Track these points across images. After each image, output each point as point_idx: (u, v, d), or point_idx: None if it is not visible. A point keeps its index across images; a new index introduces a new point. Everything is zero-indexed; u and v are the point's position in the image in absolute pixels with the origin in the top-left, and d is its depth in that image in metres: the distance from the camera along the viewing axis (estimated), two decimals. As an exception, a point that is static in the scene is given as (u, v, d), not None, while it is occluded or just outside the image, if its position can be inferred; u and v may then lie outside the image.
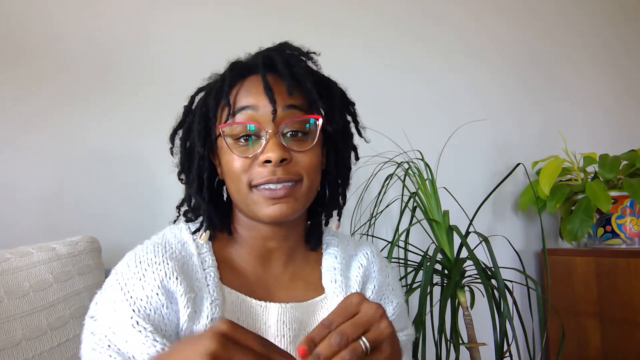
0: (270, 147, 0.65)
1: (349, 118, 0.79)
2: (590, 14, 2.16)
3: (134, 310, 0.61)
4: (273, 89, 0.66)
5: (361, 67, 1.62)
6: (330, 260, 0.77)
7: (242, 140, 0.67)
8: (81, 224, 1.18)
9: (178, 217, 0.77)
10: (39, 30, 1.20)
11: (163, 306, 0.63)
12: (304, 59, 0.73)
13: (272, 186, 0.66)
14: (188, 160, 0.73)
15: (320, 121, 0.69)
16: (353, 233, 1.48)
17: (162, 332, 0.62)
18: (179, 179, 0.76)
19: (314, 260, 0.78)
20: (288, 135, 0.67)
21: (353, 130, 0.82)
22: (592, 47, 2.15)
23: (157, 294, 0.63)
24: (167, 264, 0.65)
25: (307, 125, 0.69)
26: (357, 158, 0.81)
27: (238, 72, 0.71)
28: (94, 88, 1.25)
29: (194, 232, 0.73)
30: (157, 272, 0.64)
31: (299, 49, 0.73)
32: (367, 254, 0.80)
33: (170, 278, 0.64)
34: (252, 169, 0.66)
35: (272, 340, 0.65)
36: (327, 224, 0.81)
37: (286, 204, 0.66)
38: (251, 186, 0.67)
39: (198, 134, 0.70)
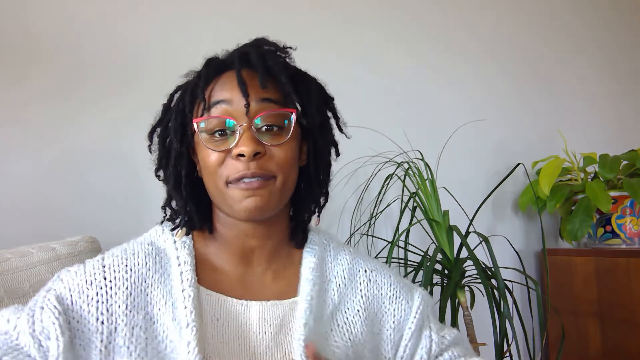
0: (244, 141, 0.64)
1: (329, 114, 0.77)
2: (591, 14, 2.16)
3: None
4: (247, 83, 0.66)
5: (361, 67, 1.62)
6: (309, 259, 0.75)
7: (217, 135, 0.67)
8: (81, 224, 1.18)
9: (165, 217, 0.77)
10: (29, 26, 1.20)
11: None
12: (280, 53, 0.72)
13: (246, 181, 0.65)
14: (166, 156, 0.73)
15: (294, 115, 0.68)
16: (353, 233, 1.48)
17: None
18: (156, 175, 0.75)
19: (298, 258, 0.77)
20: (263, 129, 0.67)
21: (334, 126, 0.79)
22: (592, 48, 2.15)
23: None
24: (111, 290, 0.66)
25: (284, 120, 0.68)
26: (337, 154, 0.79)
27: (214, 68, 0.70)
28: (97, 89, 1.24)
29: (172, 229, 0.73)
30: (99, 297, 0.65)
31: (275, 44, 0.72)
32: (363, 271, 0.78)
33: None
34: (227, 163, 0.66)
35: (254, 338, 0.67)
36: (309, 220, 0.79)
37: (261, 196, 0.65)
38: (228, 182, 0.66)
39: (174, 130, 0.70)
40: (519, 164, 1.56)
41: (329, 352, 0.69)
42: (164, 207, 0.77)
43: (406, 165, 1.43)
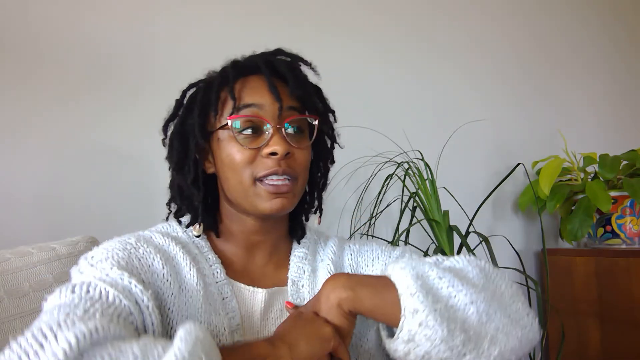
0: (277, 140, 0.69)
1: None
2: (590, 14, 2.16)
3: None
4: (277, 89, 0.71)
5: (361, 67, 1.62)
6: (299, 249, 0.81)
7: (245, 133, 0.70)
8: (81, 224, 1.18)
9: (169, 214, 0.80)
10: (38, 26, 1.20)
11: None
12: (301, 65, 0.78)
13: (274, 177, 0.69)
14: (185, 152, 0.75)
15: (317, 122, 0.75)
16: (353, 233, 1.48)
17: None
18: (175, 170, 0.77)
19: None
20: (289, 133, 0.72)
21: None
22: (593, 48, 2.15)
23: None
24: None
25: (307, 126, 0.74)
26: (332, 162, 0.86)
27: (239, 70, 0.74)
28: (95, 85, 1.24)
29: (187, 226, 0.77)
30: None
31: (297, 56, 0.78)
32: (332, 248, 0.83)
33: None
34: (257, 161, 0.70)
35: (258, 322, 0.72)
36: (307, 220, 0.86)
37: (287, 198, 0.71)
38: (255, 179, 0.70)
39: (198, 126, 0.73)
40: (519, 164, 1.56)
41: None
42: (168, 204, 0.80)
43: (406, 165, 1.43)
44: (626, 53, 2.23)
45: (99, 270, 0.61)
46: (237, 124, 0.70)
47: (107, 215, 1.22)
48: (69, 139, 1.21)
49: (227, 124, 0.70)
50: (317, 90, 0.80)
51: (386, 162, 1.50)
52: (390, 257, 0.81)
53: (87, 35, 1.25)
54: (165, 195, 0.81)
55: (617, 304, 1.54)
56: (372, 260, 0.81)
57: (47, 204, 1.18)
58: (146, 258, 0.66)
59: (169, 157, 0.78)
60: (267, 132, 0.70)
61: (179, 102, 0.78)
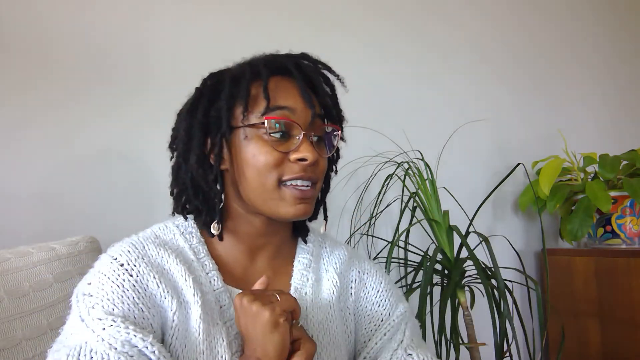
0: (307, 147, 0.69)
1: None
2: (590, 15, 2.16)
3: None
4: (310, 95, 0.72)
5: (361, 67, 1.62)
6: (303, 255, 0.80)
7: (274, 135, 0.69)
8: (81, 224, 1.18)
9: (181, 211, 0.77)
10: (37, 27, 1.20)
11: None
12: (325, 71, 0.79)
13: (299, 182, 0.69)
14: (204, 144, 0.73)
15: (339, 133, 0.76)
16: (353, 233, 1.48)
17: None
18: (192, 165, 0.72)
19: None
20: (314, 140, 0.73)
21: None
22: (593, 48, 2.15)
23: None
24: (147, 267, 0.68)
25: (330, 135, 0.76)
26: (335, 171, 0.85)
27: (271, 68, 0.73)
28: (95, 85, 1.24)
29: (202, 226, 0.74)
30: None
31: (323, 63, 0.79)
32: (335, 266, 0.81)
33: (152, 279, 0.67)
34: (284, 164, 0.69)
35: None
36: (311, 220, 0.85)
37: (309, 204, 0.71)
38: (280, 182, 0.69)
39: (226, 121, 0.70)
40: (519, 164, 1.56)
41: (325, 335, 0.74)
42: (177, 199, 0.77)
43: (406, 165, 1.43)
44: (626, 53, 2.23)
45: (96, 323, 0.60)
46: (271, 124, 0.69)
47: (107, 215, 1.22)
48: (69, 139, 1.21)
49: (261, 123, 0.69)
50: (338, 100, 0.80)
51: (386, 162, 1.50)
52: (390, 315, 0.80)
53: (88, 36, 1.25)
54: (165, 194, 0.79)
55: (617, 304, 1.54)
56: (373, 304, 0.80)
57: (47, 204, 1.17)
58: (140, 281, 0.65)
59: (185, 149, 0.73)
60: (297, 137, 0.69)
61: (200, 91, 0.75)
